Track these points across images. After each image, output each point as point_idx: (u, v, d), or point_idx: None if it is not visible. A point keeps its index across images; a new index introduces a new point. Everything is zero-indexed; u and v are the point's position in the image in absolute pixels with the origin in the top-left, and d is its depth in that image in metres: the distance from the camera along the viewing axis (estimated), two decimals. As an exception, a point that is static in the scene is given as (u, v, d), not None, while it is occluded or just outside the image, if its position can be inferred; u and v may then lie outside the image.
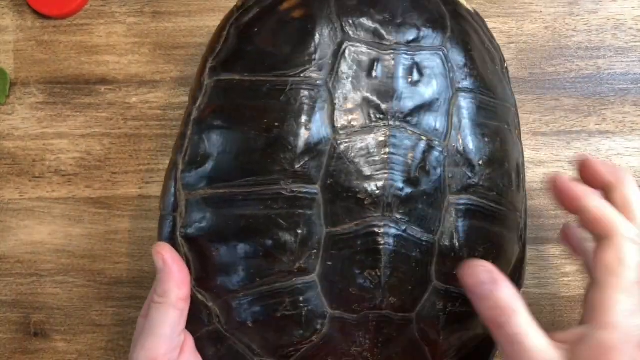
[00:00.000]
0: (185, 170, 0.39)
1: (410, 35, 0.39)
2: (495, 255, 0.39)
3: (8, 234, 0.49)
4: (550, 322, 0.49)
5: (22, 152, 0.49)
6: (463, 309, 0.39)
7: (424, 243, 0.38)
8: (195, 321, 0.39)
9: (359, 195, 0.37)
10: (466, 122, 0.39)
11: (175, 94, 0.49)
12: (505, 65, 0.45)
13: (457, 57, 0.40)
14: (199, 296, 0.38)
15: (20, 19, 0.50)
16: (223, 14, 0.49)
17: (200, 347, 0.39)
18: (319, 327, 0.37)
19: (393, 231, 0.37)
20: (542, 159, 0.50)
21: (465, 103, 0.40)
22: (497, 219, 0.40)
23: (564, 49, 0.50)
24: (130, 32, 0.50)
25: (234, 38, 0.40)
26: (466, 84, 0.40)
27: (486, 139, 0.40)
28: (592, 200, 0.34)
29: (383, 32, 0.39)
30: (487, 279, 0.34)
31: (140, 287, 0.48)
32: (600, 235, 0.33)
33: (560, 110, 0.50)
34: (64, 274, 0.48)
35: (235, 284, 0.37)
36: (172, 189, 0.39)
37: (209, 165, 0.38)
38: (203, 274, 0.38)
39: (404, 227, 0.37)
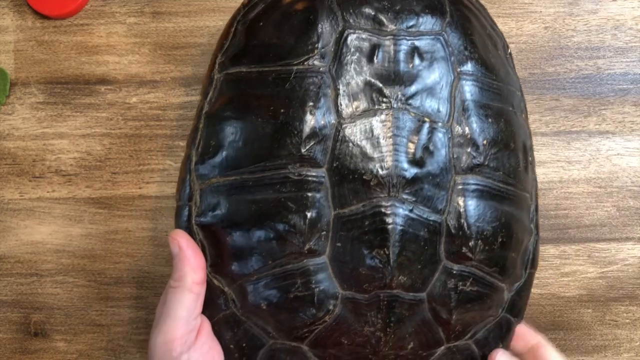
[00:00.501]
0: (198, 162, 0.40)
1: (410, 21, 0.40)
2: (504, 234, 0.40)
3: (8, 234, 0.49)
4: (550, 322, 0.49)
5: (23, 152, 0.49)
6: (474, 289, 0.39)
7: (431, 222, 0.38)
8: (212, 306, 0.40)
9: (364, 177, 0.38)
10: (469, 104, 0.40)
11: (175, 94, 0.49)
12: (509, 51, 0.45)
13: (458, 42, 0.41)
14: (215, 281, 0.40)
15: (20, 19, 0.50)
16: (223, 14, 0.50)
17: (217, 332, 0.40)
18: (331, 307, 0.38)
19: (400, 211, 0.38)
20: (542, 159, 0.50)
21: (467, 86, 0.40)
22: (505, 199, 0.40)
23: (564, 49, 0.50)
24: (131, 32, 0.50)
25: (241, 34, 0.42)
26: (467, 67, 0.41)
27: (490, 120, 0.40)
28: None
29: (383, 19, 0.40)
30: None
31: (141, 287, 0.48)
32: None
33: (560, 110, 0.50)
34: (64, 274, 0.48)
35: (249, 268, 0.38)
36: (187, 180, 0.41)
37: (220, 155, 0.39)
38: (218, 260, 0.40)
39: (410, 207, 0.38)
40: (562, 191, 0.49)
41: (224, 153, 0.39)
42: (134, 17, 0.50)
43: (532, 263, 0.44)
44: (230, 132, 0.39)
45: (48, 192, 0.49)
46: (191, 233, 0.40)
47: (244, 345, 0.40)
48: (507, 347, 0.43)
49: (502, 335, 0.43)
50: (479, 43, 0.42)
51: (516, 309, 0.43)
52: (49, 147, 0.49)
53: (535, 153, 0.50)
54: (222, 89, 0.41)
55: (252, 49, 0.41)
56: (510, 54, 0.45)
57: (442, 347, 0.41)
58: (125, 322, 0.48)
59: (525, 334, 0.44)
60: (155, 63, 0.50)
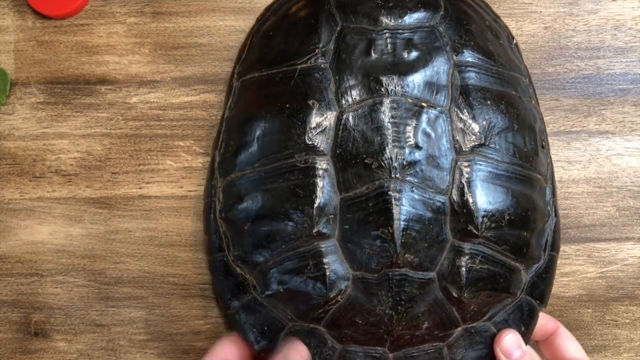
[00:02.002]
0: (220, 161, 0.44)
1: (404, 16, 0.43)
2: (512, 212, 0.41)
3: (8, 233, 0.49)
4: (550, 322, 0.49)
5: (23, 152, 0.49)
6: (484, 267, 0.41)
7: (435, 202, 0.40)
8: (237, 293, 0.44)
9: (366, 161, 0.40)
10: (467, 88, 0.42)
11: (175, 94, 0.49)
12: (515, 42, 0.47)
13: (453, 32, 0.43)
14: (239, 270, 0.44)
15: (20, 19, 0.50)
16: (223, 14, 0.50)
17: (242, 316, 0.44)
18: (343, 287, 0.40)
19: (401, 191, 0.40)
20: (542, 159, 0.50)
21: (464, 72, 0.42)
22: (511, 178, 0.42)
23: (564, 49, 0.50)
24: (131, 32, 0.50)
25: (256, 45, 0.45)
26: (464, 55, 0.42)
27: (489, 102, 0.42)
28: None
29: (378, 16, 0.42)
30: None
31: (141, 287, 0.49)
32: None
33: (560, 111, 0.50)
34: (64, 273, 0.48)
35: (266, 254, 0.42)
36: (212, 179, 0.45)
37: (237, 153, 0.43)
38: (240, 249, 0.43)
39: (411, 187, 0.40)
40: (562, 191, 0.49)
41: (241, 150, 0.43)
42: (134, 17, 0.50)
43: (553, 246, 0.45)
44: (246, 131, 0.42)
45: (48, 192, 0.49)
46: (216, 226, 0.44)
47: (265, 328, 0.43)
48: (530, 332, 0.44)
49: (523, 319, 0.44)
50: (476, 32, 0.43)
51: (538, 292, 0.44)
52: (49, 147, 0.49)
53: (535, 153, 0.50)
54: (240, 94, 0.44)
55: (264, 57, 0.44)
56: (516, 44, 0.47)
57: (460, 328, 0.42)
58: (125, 322, 0.48)
59: (544, 323, 0.44)
60: (155, 63, 0.50)
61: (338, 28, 0.42)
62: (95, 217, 0.49)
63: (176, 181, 0.49)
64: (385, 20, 0.42)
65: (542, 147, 0.45)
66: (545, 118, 0.50)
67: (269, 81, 0.43)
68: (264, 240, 0.41)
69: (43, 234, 0.49)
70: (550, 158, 0.46)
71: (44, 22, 0.50)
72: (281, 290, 0.41)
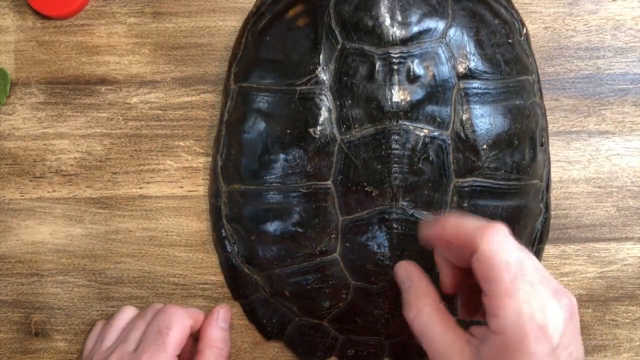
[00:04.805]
0: (223, 167, 0.45)
1: (409, 32, 0.41)
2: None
3: (9, 234, 0.49)
4: (549, 322, 0.49)
5: (23, 152, 0.49)
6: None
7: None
8: (246, 289, 0.47)
9: (367, 189, 0.41)
10: (470, 108, 0.41)
11: (175, 94, 0.49)
12: (525, 31, 0.46)
13: (460, 45, 0.42)
14: (247, 270, 0.46)
15: (21, 19, 0.50)
16: (223, 14, 0.50)
17: (253, 309, 0.47)
18: (344, 296, 0.43)
19: (400, 217, 0.41)
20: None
21: (469, 90, 0.41)
22: (507, 194, 0.42)
23: (564, 50, 0.50)
24: (131, 33, 0.50)
25: (251, 45, 0.45)
26: (469, 70, 0.42)
27: (491, 122, 0.42)
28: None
29: (381, 33, 0.41)
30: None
31: (141, 286, 0.49)
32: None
33: (560, 111, 0.50)
34: (65, 273, 0.48)
35: (271, 263, 0.44)
36: (215, 181, 0.46)
37: (240, 165, 0.44)
38: (247, 252, 0.45)
39: (410, 212, 0.41)
40: (562, 191, 0.49)
41: (243, 163, 0.43)
42: (135, 18, 0.50)
43: (541, 239, 0.46)
44: (247, 145, 0.43)
45: (49, 192, 0.49)
46: (222, 228, 0.46)
47: (274, 320, 0.47)
48: None
49: None
50: (485, 40, 0.42)
51: None
52: (50, 147, 0.49)
53: (535, 153, 0.50)
54: (238, 102, 0.44)
55: (260, 64, 0.43)
56: (526, 34, 0.46)
57: None
58: (125, 322, 0.49)
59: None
60: (155, 63, 0.50)
61: (339, 46, 0.41)
62: (95, 217, 0.49)
63: (176, 181, 0.49)
64: (390, 38, 0.41)
65: (542, 144, 0.45)
66: (545, 118, 0.50)
67: (269, 99, 0.43)
68: (269, 251, 0.44)
69: (43, 234, 0.49)
70: (549, 153, 0.47)
71: (44, 22, 0.50)
72: (287, 294, 0.44)
